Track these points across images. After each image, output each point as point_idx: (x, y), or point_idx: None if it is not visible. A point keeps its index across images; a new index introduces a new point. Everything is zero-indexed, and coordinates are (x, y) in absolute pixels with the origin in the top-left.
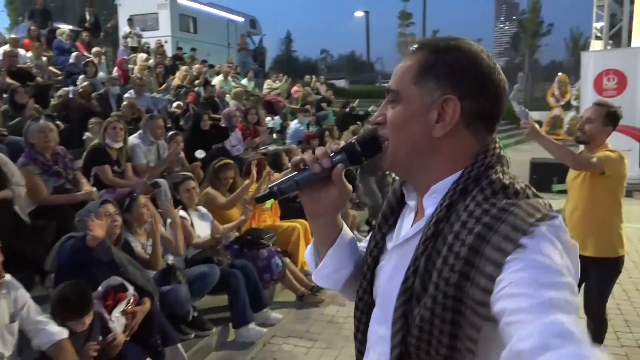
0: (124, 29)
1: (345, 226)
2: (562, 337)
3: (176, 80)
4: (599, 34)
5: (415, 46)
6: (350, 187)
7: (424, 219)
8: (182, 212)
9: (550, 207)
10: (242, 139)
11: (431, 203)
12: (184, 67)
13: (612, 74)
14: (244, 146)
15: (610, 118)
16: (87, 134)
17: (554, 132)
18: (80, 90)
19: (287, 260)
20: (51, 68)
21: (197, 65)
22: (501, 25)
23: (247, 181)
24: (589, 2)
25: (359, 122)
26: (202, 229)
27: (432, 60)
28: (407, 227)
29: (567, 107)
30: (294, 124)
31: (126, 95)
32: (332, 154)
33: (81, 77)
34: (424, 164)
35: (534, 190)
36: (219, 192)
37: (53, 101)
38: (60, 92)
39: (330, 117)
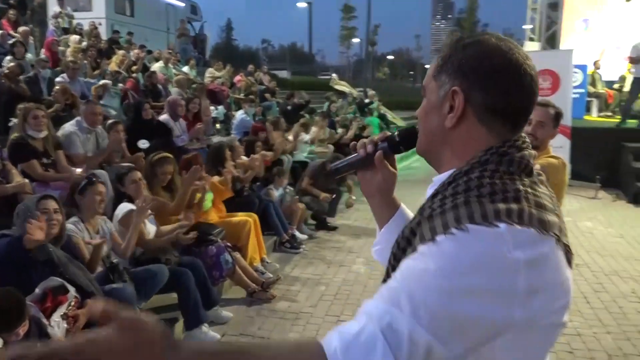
0: (53, 8)
1: (403, 208)
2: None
3: (112, 65)
4: (532, 36)
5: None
6: (394, 171)
7: None
8: (131, 206)
9: (513, 217)
10: (186, 128)
11: (428, 193)
12: (121, 52)
13: (547, 74)
14: (188, 137)
15: (557, 120)
16: (14, 120)
17: None
18: (7, 71)
19: (237, 255)
20: None
21: (135, 50)
22: (437, 23)
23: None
24: (521, 5)
25: (305, 114)
26: (149, 227)
27: (448, 56)
28: None
29: None
30: (239, 115)
31: (58, 79)
32: (379, 142)
33: (7, 57)
34: (438, 154)
35: (521, 195)
36: (155, 193)
37: None
38: None
39: (274, 108)
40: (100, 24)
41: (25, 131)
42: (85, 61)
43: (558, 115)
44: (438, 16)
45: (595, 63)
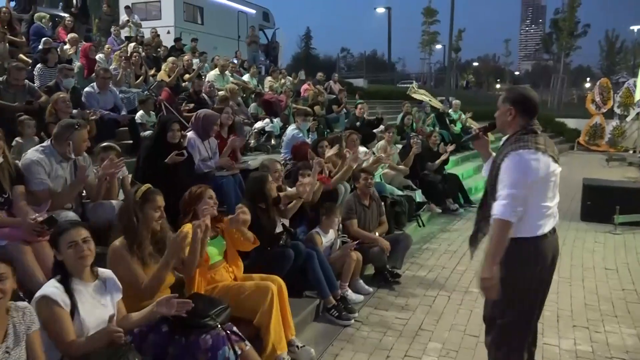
0: (122, 17)
1: (493, 154)
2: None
3: (162, 74)
4: None
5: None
6: (487, 139)
7: None
8: (51, 289)
9: (525, 147)
10: (217, 150)
11: (502, 142)
12: (170, 59)
13: None
14: (217, 161)
15: None
16: (17, 139)
17: (594, 143)
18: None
19: (247, 347)
20: (22, 56)
21: (186, 57)
22: (527, 28)
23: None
24: (626, 2)
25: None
26: (99, 313)
27: (507, 96)
28: None
29: (609, 115)
30: (290, 130)
31: (87, 89)
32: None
33: (38, 66)
34: (505, 129)
35: (529, 140)
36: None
37: None
38: None
39: (342, 121)
40: (168, 32)
41: None
42: (129, 69)
43: None
44: (527, 21)
45: None
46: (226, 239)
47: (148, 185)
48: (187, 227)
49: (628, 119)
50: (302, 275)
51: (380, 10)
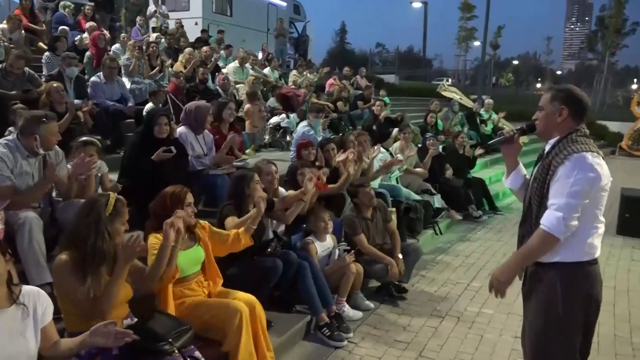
0: (149, 7)
1: (520, 164)
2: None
3: (178, 65)
4: None
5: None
6: (521, 145)
7: None
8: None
9: (584, 149)
10: (213, 146)
11: (547, 148)
12: (187, 50)
13: None
14: (212, 158)
15: None
16: (9, 129)
17: (637, 148)
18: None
19: None
20: (41, 44)
21: (205, 48)
22: (572, 26)
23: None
24: None
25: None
26: (16, 346)
27: (556, 94)
28: None
29: None
30: (300, 127)
31: (93, 79)
32: (516, 131)
33: (46, 54)
34: (550, 133)
35: (584, 142)
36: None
37: None
38: None
39: (366, 117)
40: (196, 24)
41: None
42: (142, 59)
43: None
44: (573, 19)
45: None
46: (204, 248)
47: (115, 194)
48: (154, 237)
49: None
50: (294, 288)
51: (417, 5)
